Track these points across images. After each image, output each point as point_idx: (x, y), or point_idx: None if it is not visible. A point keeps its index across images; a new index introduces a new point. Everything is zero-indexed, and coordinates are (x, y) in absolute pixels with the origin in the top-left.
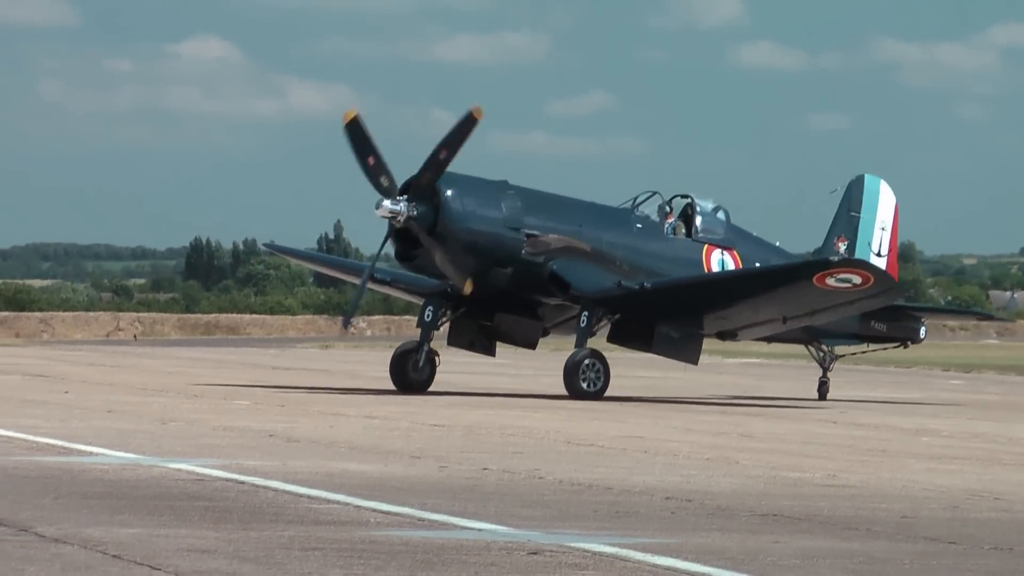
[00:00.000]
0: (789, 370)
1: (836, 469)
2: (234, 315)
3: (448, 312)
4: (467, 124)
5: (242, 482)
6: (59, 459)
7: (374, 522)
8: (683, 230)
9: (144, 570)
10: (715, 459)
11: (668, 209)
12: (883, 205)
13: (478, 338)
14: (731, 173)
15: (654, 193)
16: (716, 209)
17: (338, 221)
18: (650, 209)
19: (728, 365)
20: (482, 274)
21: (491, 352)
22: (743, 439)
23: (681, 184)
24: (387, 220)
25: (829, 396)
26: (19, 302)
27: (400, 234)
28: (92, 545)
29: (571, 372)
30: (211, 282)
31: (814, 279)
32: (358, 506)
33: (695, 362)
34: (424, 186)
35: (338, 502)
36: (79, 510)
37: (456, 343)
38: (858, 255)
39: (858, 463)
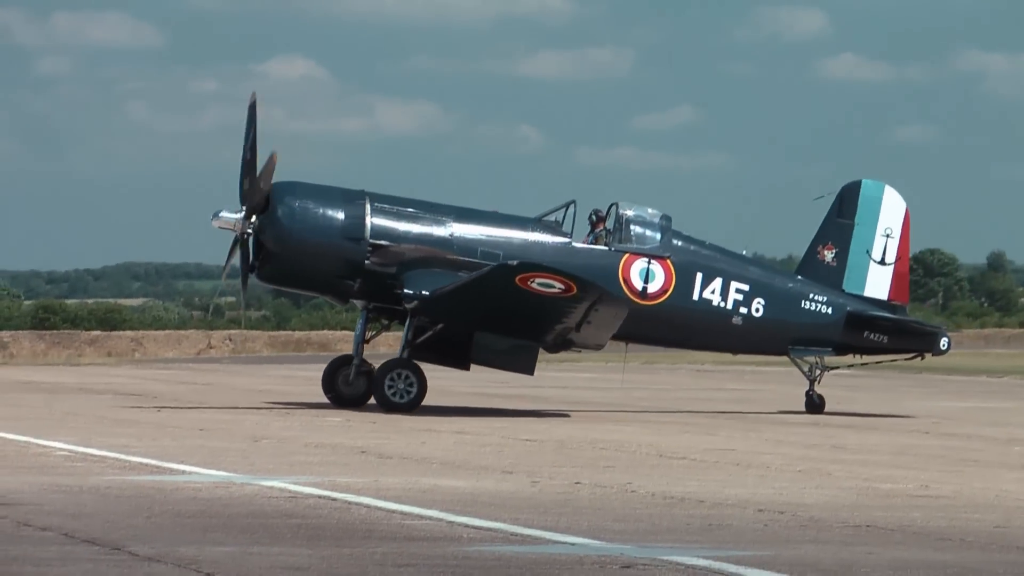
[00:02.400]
0: (880, 380)
1: (928, 480)
2: (325, 332)
3: (385, 325)
4: (251, 114)
5: (335, 499)
6: (152, 478)
7: (467, 538)
8: (605, 239)
9: None
10: (807, 471)
11: (595, 218)
12: (887, 211)
13: (447, 351)
14: (818, 185)
15: (571, 202)
16: (658, 218)
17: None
18: (562, 216)
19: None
20: (327, 285)
21: (465, 366)
22: (835, 451)
23: (766, 196)
24: (227, 231)
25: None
26: (111, 321)
27: (246, 244)
28: (186, 564)
29: (378, 382)
30: (302, 300)
31: (517, 281)
32: (451, 522)
33: (530, 372)
34: (249, 192)
35: (431, 518)
36: (172, 529)
37: (421, 357)
38: (851, 262)
39: (951, 474)
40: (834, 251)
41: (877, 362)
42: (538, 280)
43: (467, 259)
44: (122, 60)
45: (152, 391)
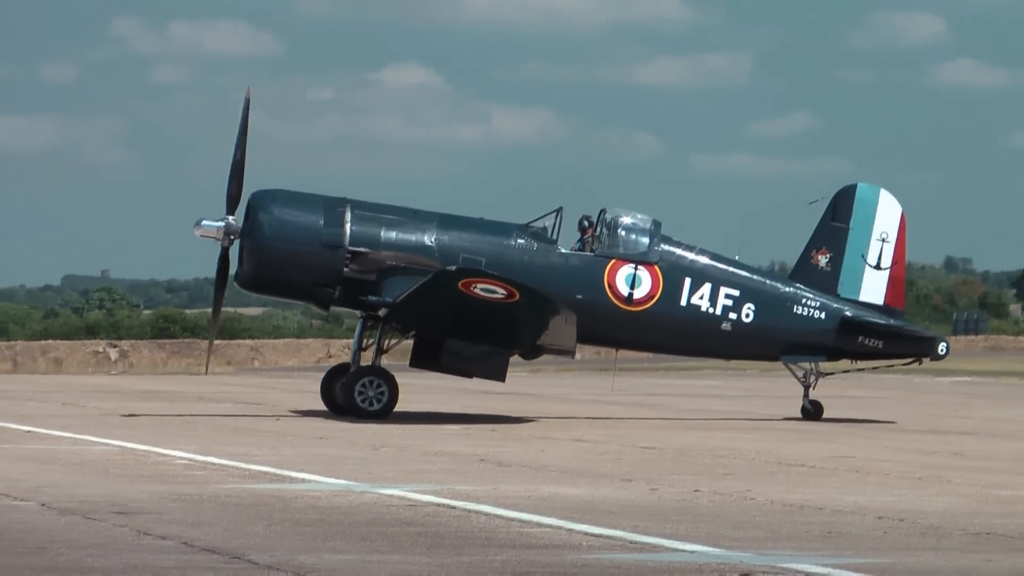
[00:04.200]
0: (1001, 387)
1: None
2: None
3: (383, 331)
4: (244, 112)
5: (453, 507)
6: (271, 486)
7: (586, 545)
8: (592, 246)
9: None
10: (926, 478)
11: (587, 224)
12: (883, 215)
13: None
14: (936, 192)
15: (559, 209)
16: (648, 223)
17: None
18: (549, 223)
19: (939, 384)
20: (307, 293)
21: (463, 373)
22: (954, 457)
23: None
24: (211, 240)
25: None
26: (231, 331)
27: (228, 253)
28: (305, 572)
29: (348, 390)
30: None
31: (460, 287)
32: (569, 529)
33: (501, 379)
34: (235, 196)
35: (549, 526)
36: (291, 537)
37: (419, 364)
38: (846, 267)
39: None
40: (828, 256)
41: (874, 368)
42: (480, 286)
43: (449, 266)
44: (238, 68)
45: (271, 400)
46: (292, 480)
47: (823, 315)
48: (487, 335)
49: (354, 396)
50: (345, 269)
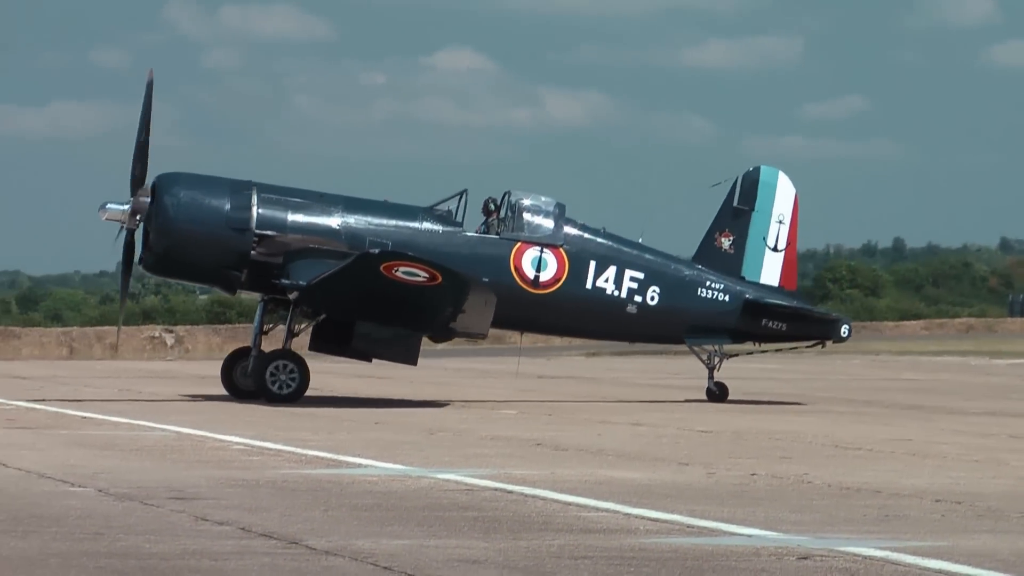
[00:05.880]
0: None
1: None
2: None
3: (283, 314)
4: (147, 95)
5: (510, 491)
6: (328, 471)
7: (643, 530)
8: (496, 228)
9: None
10: (984, 460)
11: (493, 207)
12: (780, 198)
13: (350, 342)
14: (990, 173)
15: (464, 192)
16: (551, 206)
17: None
18: (453, 205)
19: (996, 366)
20: (214, 276)
21: (367, 357)
22: (1012, 440)
23: (933, 184)
24: (116, 223)
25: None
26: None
27: (133, 235)
28: (362, 557)
29: (259, 374)
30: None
31: (382, 270)
32: (627, 514)
33: (412, 362)
34: (140, 178)
35: (607, 510)
36: (348, 522)
37: (319, 348)
38: (749, 249)
39: None
40: (731, 238)
41: (777, 349)
42: (402, 269)
43: (355, 249)
44: (291, 53)
45: (328, 385)
46: (349, 465)
47: (727, 297)
48: (401, 317)
49: (265, 380)
50: (252, 252)
